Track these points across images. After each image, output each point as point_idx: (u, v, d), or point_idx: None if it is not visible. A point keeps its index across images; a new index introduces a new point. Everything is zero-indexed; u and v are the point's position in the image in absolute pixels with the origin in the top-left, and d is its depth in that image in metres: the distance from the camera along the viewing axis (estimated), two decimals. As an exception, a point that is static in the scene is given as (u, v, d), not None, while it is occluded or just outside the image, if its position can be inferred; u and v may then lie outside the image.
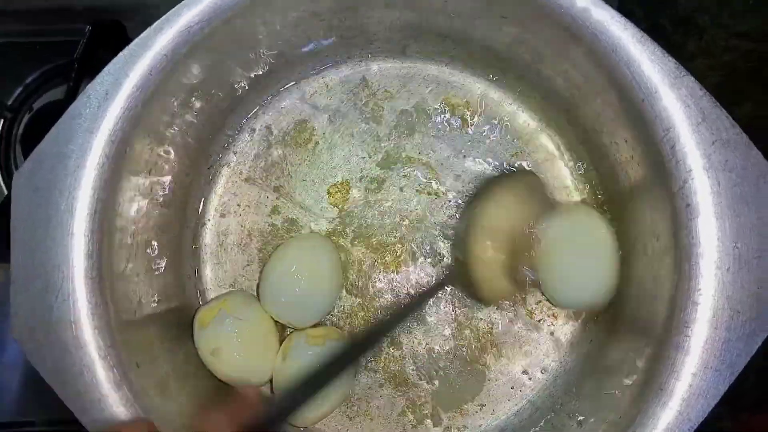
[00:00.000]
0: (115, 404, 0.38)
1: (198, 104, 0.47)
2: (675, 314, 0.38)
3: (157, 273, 0.47)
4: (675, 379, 0.37)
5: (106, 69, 0.40)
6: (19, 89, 0.62)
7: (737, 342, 0.37)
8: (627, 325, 0.45)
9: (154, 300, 0.46)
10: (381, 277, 0.51)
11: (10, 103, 0.61)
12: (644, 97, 0.39)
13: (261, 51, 0.48)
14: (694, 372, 0.37)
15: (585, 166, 0.51)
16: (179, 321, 0.49)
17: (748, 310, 0.37)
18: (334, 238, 0.52)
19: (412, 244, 0.51)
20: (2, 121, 0.61)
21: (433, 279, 0.51)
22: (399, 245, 0.52)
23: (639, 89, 0.40)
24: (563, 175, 0.51)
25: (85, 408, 0.38)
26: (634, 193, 0.44)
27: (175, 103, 0.44)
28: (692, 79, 0.39)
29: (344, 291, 0.51)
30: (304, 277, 0.48)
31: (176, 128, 0.46)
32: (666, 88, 0.39)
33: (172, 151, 0.47)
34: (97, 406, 0.38)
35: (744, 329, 0.37)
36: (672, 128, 0.39)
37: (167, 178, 0.47)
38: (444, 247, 0.51)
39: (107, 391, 0.38)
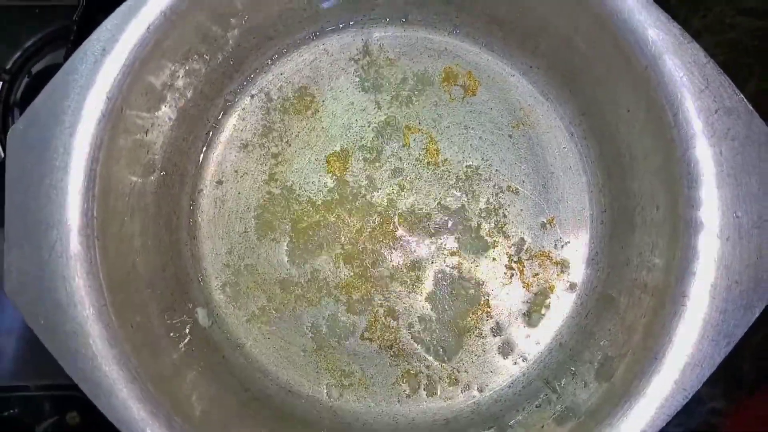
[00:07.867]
0: (108, 362, 0.38)
1: (196, 65, 0.46)
2: (672, 284, 0.38)
3: (152, 236, 0.47)
4: (670, 348, 0.37)
5: (103, 24, 0.40)
6: (18, 53, 0.61)
7: (735, 312, 0.37)
8: (624, 297, 0.45)
9: (148, 263, 0.45)
10: (378, 247, 0.51)
11: (8, 66, 0.61)
12: (648, 64, 0.39)
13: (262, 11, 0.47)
14: (690, 341, 0.37)
15: (586, 136, 0.50)
16: (175, 285, 0.48)
17: (747, 281, 0.37)
18: (332, 207, 0.51)
19: (411, 215, 0.51)
20: (0, 84, 0.61)
21: (431, 249, 0.51)
22: (397, 216, 0.51)
23: (643, 55, 0.39)
24: (564, 147, 0.51)
25: (78, 365, 0.38)
26: (635, 162, 0.44)
27: (173, 63, 0.44)
28: (697, 46, 0.38)
29: (341, 262, 0.51)
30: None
31: (174, 90, 0.45)
32: (670, 54, 0.38)
33: (169, 114, 0.46)
34: (90, 363, 0.38)
35: (742, 300, 0.37)
36: (675, 95, 0.38)
37: (164, 141, 0.47)
38: (441, 217, 0.51)
39: (100, 349, 0.38)
